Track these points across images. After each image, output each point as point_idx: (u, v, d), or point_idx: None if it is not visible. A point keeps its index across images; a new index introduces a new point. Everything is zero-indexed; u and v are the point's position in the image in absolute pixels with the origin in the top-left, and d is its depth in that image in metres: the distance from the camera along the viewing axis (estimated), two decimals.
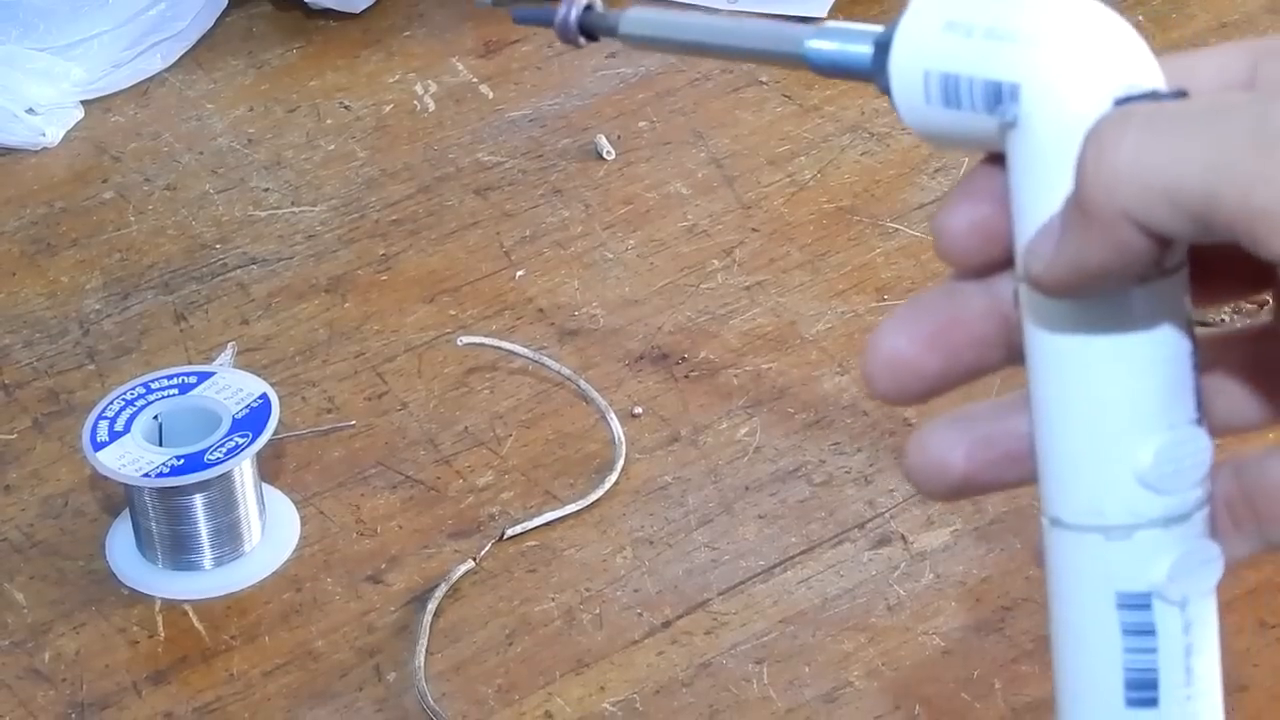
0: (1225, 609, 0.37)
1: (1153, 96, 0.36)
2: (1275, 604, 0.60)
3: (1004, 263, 0.38)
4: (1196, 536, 0.37)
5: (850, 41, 0.39)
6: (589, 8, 0.42)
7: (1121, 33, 0.37)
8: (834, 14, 0.84)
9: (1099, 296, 0.36)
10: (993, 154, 0.38)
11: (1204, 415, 0.37)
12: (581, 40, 0.42)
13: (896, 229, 0.74)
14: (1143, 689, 0.38)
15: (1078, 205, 0.35)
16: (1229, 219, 0.33)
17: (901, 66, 0.38)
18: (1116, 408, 0.37)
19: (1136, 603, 0.38)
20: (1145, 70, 0.36)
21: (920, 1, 0.38)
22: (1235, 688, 0.40)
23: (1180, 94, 0.36)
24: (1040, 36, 0.36)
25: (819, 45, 0.39)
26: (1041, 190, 0.37)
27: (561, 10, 0.43)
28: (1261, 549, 0.39)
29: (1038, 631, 0.60)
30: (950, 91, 0.37)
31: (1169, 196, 0.34)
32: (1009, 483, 0.40)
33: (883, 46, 0.38)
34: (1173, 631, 0.38)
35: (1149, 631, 0.38)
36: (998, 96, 0.36)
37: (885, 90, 0.39)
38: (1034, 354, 0.37)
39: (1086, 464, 0.37)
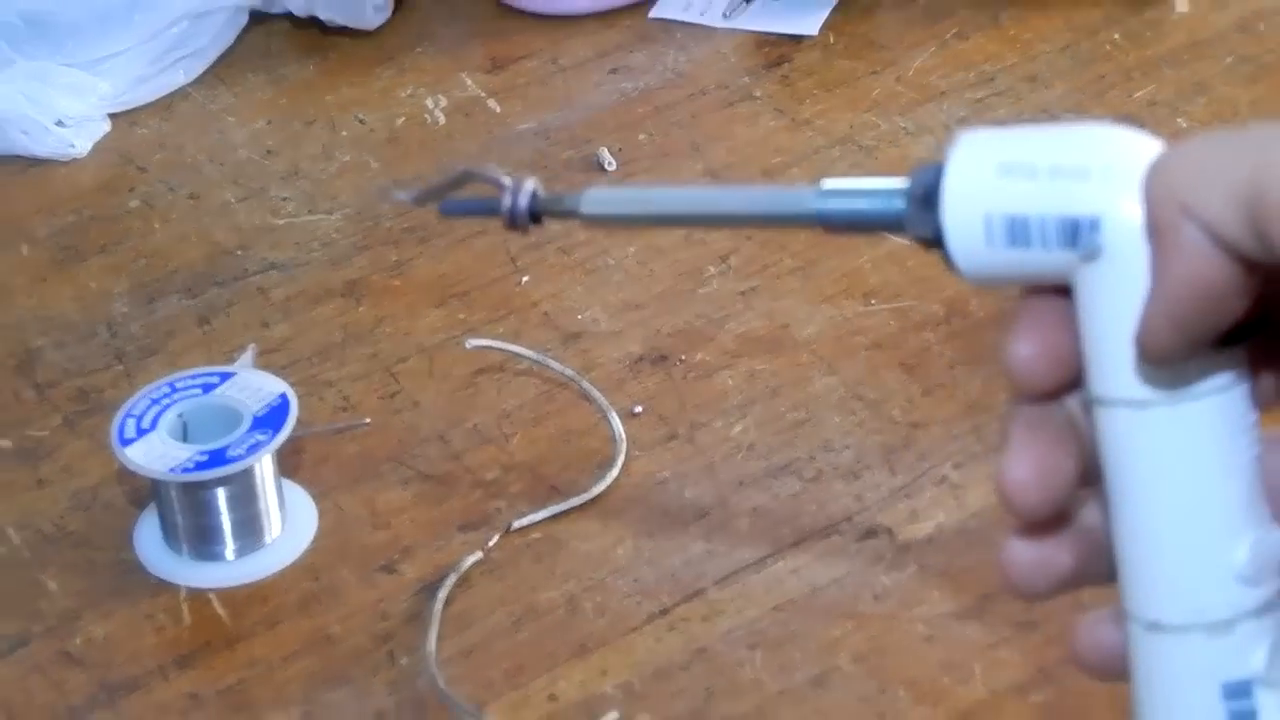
0: None
1: None
2: None
3: (1071, 385, 0.38)
4: None
5: (874, 198, 0.39)
6: (535, 195, 0.41)
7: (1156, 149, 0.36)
8: (825, 30, 0.84)
9: (1198, 369, 0.36)
10: (1043, 286, 0.38)
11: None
12: (529, 226, 0.42)
13: (883, 237, 0.74)
14: None
15: (1153, 234, 0.35)
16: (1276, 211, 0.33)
17: (958, 213, 0.37)
18: (1211, 514, 0.37)
19: (1241, 691, 0.38)
20: None
21: (964, 149, 0.38)
22: None
23: None
24: (1111, 170, 0.36)
25: (838, 206, 0.39)
26: (1128, 307, 0.36)
27: (506, 200, 0.42)
28: None
29: (1015, 618, 0.61)
30: (1018, 232, 0.37)
31: (1225, 194, 0.34)
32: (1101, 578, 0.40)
33: (921, 198, 0.38)
34: (1273, 713, 0.38)
35: (1252, 714, 0.38)
36: (1075, 231, 0.36)
37: (924, 238, 0.38)
38: (1120, 470, 0.37)
39: (1186, 568, 0.37)
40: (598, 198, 0.42)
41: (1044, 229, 0.36)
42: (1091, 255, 0.36)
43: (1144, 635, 0.38)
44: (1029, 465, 0.38)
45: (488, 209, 0.43)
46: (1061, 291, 0.37)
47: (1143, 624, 0.38)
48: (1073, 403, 0.39)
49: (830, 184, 0.39)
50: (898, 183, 0.39)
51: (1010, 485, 0.38)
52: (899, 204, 0.39)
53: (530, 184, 0.42)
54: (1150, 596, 0.38)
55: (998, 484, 0.38)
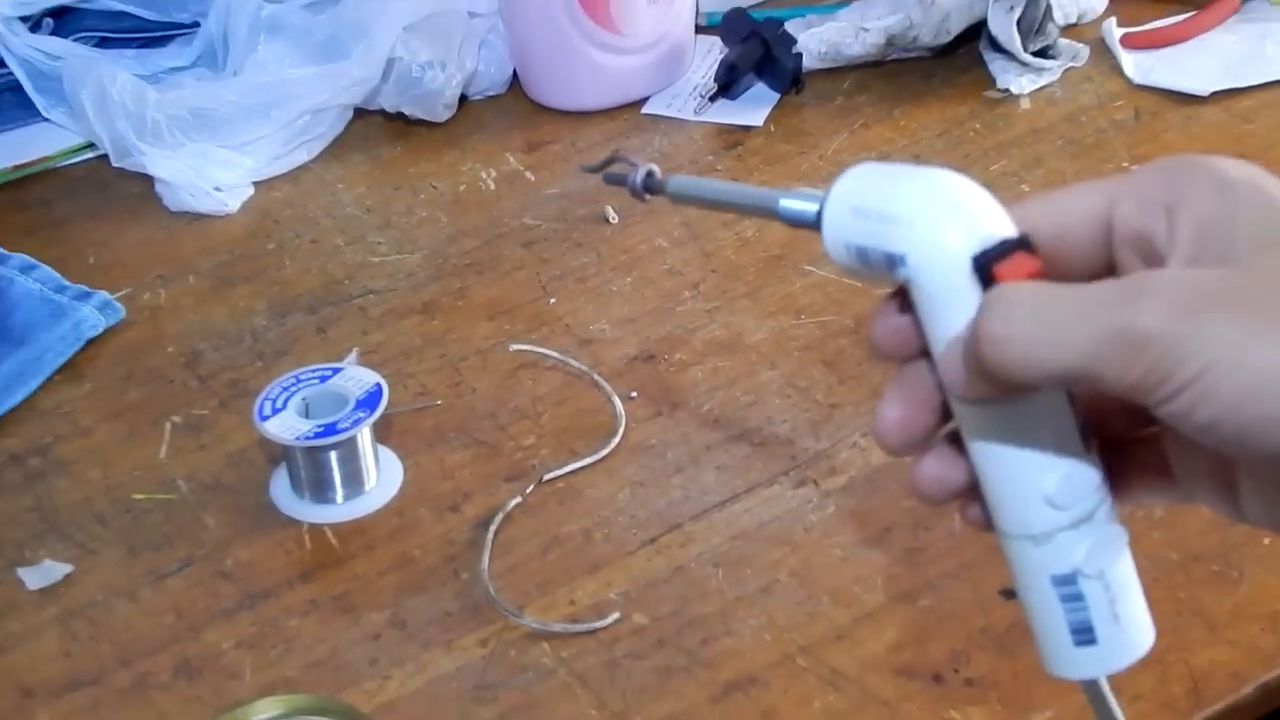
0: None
1: (1002, 246, 0.36)
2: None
3: (921, 354, 0.38)
4: (1103, 523, 0.38)
5: (804, 207, 0.39)
6: (650, 174, 0.42)
7: (974, 200, 0.37)
8: (767, 122, 0.84)
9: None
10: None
11: (1091, 444, 0.38)
12: (646, 196, 0.43)
13: (811, 270, 0.74)
14: (1084, 633, 0.39)
15: (979, 368, 0.35)
16: (1109, 389, 0.33)
17: (828, 237, 0.38)
18: (1026, 459, 0.38)
19: (1066, 580, 0.39)
20: (995, 224, 0.37)
21: (836, 190, 0.38)
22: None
23: (1024, 240, 0.36)
24: (913, 219, 0.37)
25: (787, 205, 0.40)
26: (936, 320, 0.37)
27: (630, 175, 0.43)
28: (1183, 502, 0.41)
29: (907, 545, 0.61)
30: (862, 256, 0.38)
31: (1054, 377, 0.34)
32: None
33: (820, 216, 0.39)
34: (1097, 593, 0.39)
35: (1080, 598, 0.39)
36: (893, 262, 0.37)
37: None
38: (963, 424, 0.38)
39: (1013, 497, 0.38)
40: (678, 182, 0.43)
41: (877, 256, 0.37)
42: (907, 280, 0.37)
43: (999, 538, 0.39)
44: (894, 416, 0.39)
45: (624, 181, 0.43)
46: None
47: (997, 531, 0.39)
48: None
49: (794, 192, 0.40)
50: (818, 199, 0.40)
51: (879, 430, 0.39)
52: (813, 214, 0.40)
53: (646, 167, 0.43)
54: (995, 513, 0.39)
55: (873, 428, 0.39)
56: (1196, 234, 0.35)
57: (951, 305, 0.37)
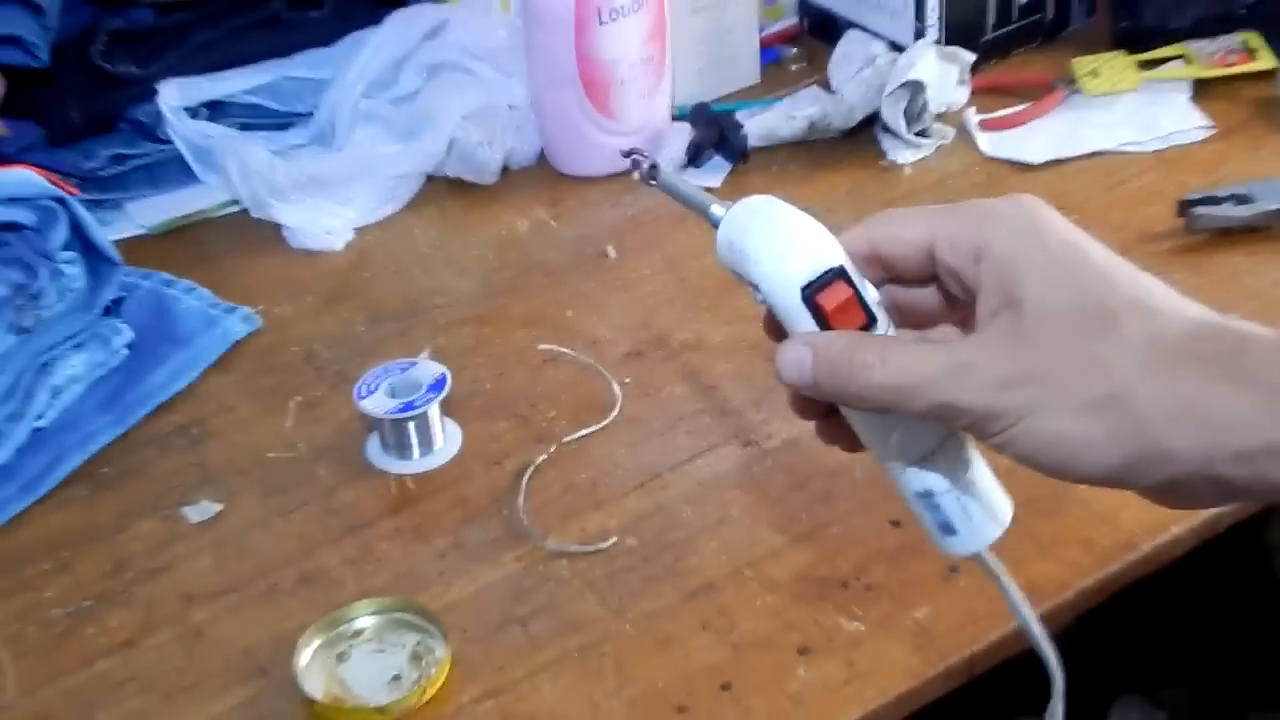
0: None
1: (825, 277, 0.37)
2: None
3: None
4: (950, 452, 0.40)
5: (717, 214, 0.40)
6: (654, 165, 0.41)
7: (808, 236, 0.38)
8: (724, 183, 0.84)
9: None
10: None
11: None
12: (652, 182, 0.41)
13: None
14: (947, 528, 0.40)
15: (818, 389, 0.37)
16: (955, 419, 0.36)
17: (719, 255, 0.39)
18: (875, 424, 0.39)
19: (924, 495, 0.40)
20: (826, 253, 0.37)
21: (725, 221, 0.39)
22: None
23: (842, 270, 0.37)
24: (760, 257, 0.37)
25: (714, 212, 0.40)
26: (790, 332, 0.38)
27: (642, 163, 0.41)
28: None
29: (823, 488, 0.61)
30: (738, 275, 0.39)
31: (904, 407, 0.36)
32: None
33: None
34: (950, 500, 0.40)
35: (936, 506, 0.40)
36: (755, 286, 0.38)
37: None
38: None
39: (878, 450, 0.40)
40: (667, 174, 0.41)
41: (744, 281, 0.38)
42: (762, 301, 0.38)
43: (884, 469, 0.41)
44: (796, 402, 0.42)
45: (637, 164, 0.42)
46: None
47: (881, 464, 0.41)
48: None
49: (716, 203, 0.40)
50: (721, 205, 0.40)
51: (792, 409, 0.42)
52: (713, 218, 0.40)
53: (652, 159, 0.41)
54: (872, 456, 0.41)
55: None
56: (995, 277, 0.36)
57: (794, 322, 0.38)
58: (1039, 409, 0.34)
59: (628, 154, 0.43)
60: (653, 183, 0.41)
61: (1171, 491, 0.36)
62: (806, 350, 0.37)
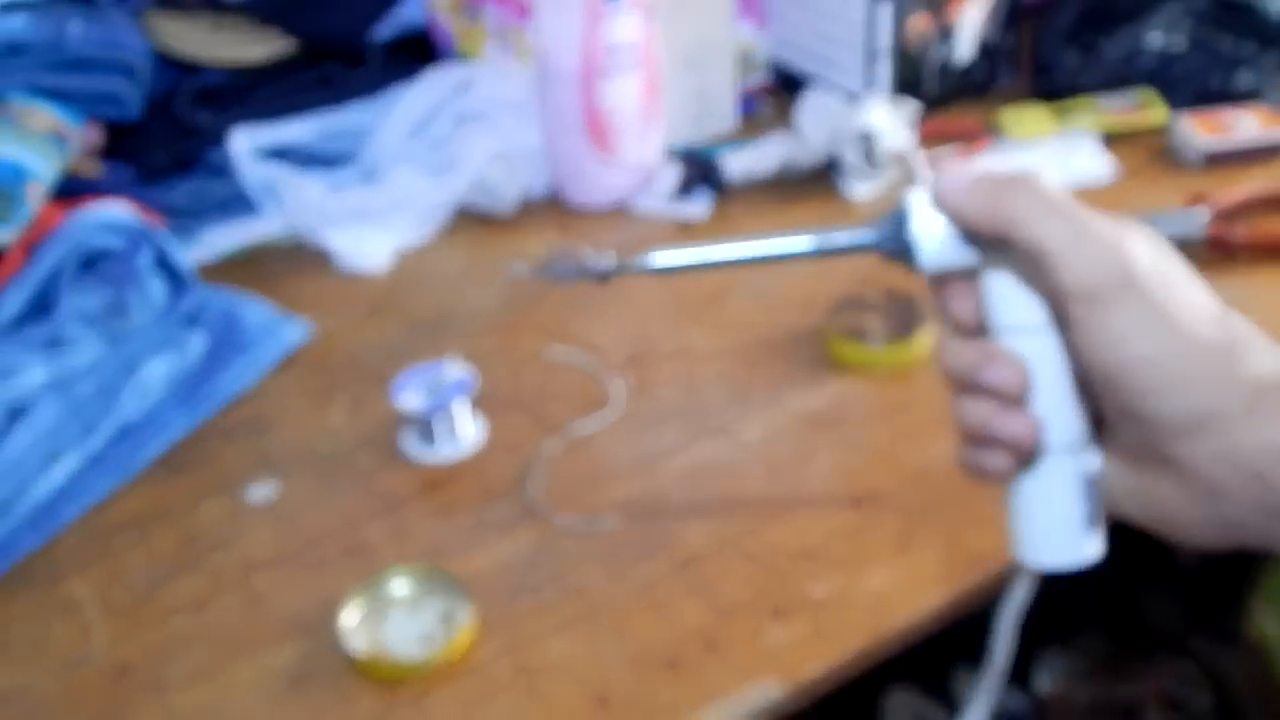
0: None
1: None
2: None
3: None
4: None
5: (851, 239, 0.34)
6: (613, 264, 0.35)
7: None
8: (711, 212, 0.83)
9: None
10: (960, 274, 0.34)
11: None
12: (612, 279, 0.36)
13: (734, 306, 0.73)
14: (1095, 517, 0.35)
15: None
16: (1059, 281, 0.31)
17: (925, 237, 0.33)
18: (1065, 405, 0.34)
19: (1092, 480, 0.35)
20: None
21: (916, 204, 0.34)
22: None
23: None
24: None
25: (827, 246, 0.34)
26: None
27: (595, 266, 0.35)
28: None
29: (792, 474, 0.59)
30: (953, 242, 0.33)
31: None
32: None
33: (895, 234, 0.34)
34: (1098, 491, 0.35)
35: (1095, 493, 0.35)
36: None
37: (889, 253, 0.34)
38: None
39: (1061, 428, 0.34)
40: (661, 259, 0.36)
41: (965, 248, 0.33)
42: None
43: (1048, 457, 0.35)
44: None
45: (579, 274, 0.36)
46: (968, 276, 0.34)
47: (1043, 449, 0.35)
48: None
49: (817, 234, 0.35)
50: (866, 228, 0.35)
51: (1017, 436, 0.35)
52: (871, 238, 0.34)
53: (607, 257, 0.36)
54: (1049, 435, 0.34)
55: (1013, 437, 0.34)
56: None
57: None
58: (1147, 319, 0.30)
59: (548, 264, 0.36)
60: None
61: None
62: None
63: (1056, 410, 0.34)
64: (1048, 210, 0.31)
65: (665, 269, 0.37)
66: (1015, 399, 0.33)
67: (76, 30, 0.77)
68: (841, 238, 0.35)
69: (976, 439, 0.35)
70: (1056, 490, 0.35)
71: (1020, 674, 1.00)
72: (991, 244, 0.33)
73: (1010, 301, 0.33)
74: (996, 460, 0.35)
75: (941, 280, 0.35)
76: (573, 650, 0.50)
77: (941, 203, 0.33)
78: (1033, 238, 0.31)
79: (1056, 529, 0.35)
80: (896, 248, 0.34)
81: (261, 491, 0.61)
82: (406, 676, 0.50)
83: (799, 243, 0.35)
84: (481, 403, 0.65)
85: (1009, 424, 0.33)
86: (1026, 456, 0.34)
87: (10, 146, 0.69)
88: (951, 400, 0.36)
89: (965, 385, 0.35)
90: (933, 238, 0.34)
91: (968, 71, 0.93)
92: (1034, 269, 0.32)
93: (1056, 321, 0.33)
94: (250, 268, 0.80)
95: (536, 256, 0.38)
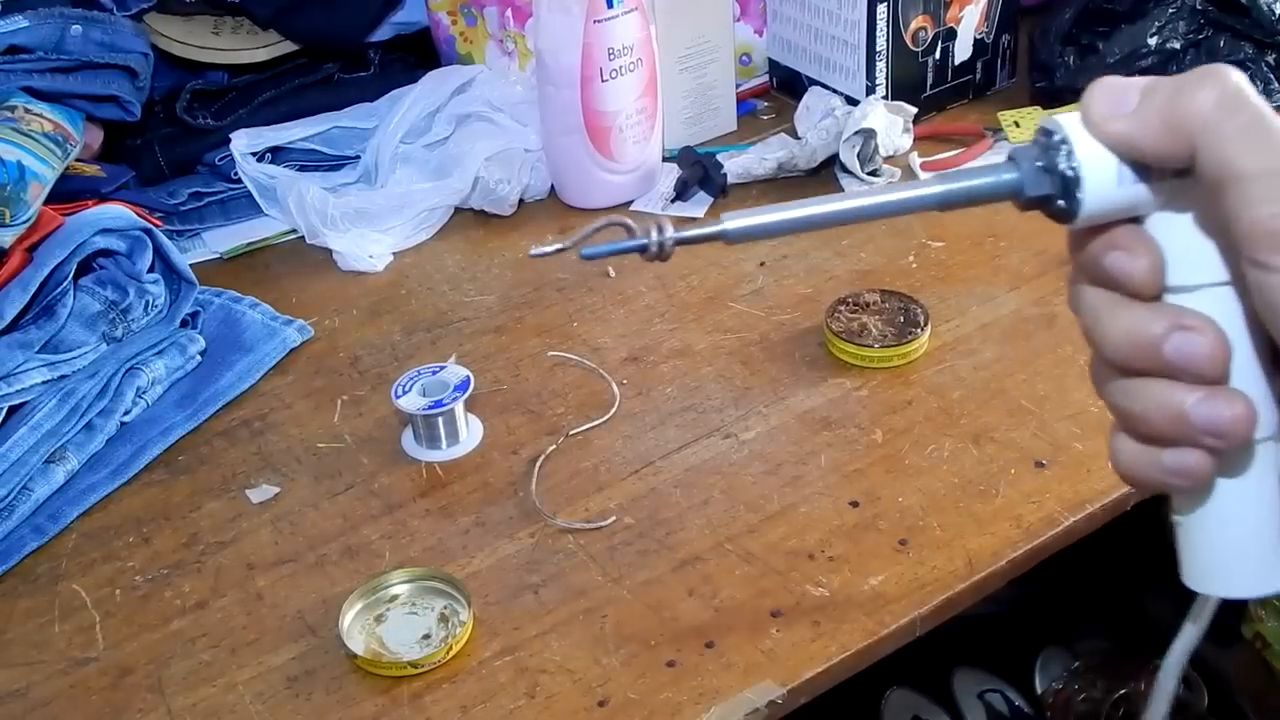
0: None
1: None
2: None
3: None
4: None
5: (988, 177, 0.27)
6: (676, 233, 0.27)
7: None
8: (706, 214, 0.83)
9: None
10: (1123, 219, 0.26)
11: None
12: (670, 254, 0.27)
13: (733, 306, 0.73)
14: None
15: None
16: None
17: (1094, 168, 0.25)
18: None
19: None
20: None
21: (1072, 129, 0.26)
22: None
23: None
24: None
25: (958, 188, 0.26)
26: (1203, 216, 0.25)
27: (654, 237, 0.27)
28: None
29: (792, 474, 0.59)
30: (1139, 173, 0.25)
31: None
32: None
33: (1043, 168, 0.26)
34: None
35: None
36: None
37: (1035, 198, 0.26)
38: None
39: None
40: (737, 224, 0.28)
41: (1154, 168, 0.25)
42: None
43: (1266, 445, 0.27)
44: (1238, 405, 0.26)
45: (628, 249, 0.27)
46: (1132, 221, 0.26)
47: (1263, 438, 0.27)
48: None
49: (946, 177, 0.26)
50: (1003, 166, 0.27)
51: (1231, 425, 0.26)
52: (1011, 177, 0.27)
53: (669, 226, 0.28)
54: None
55: (1221, 424, 0.25)
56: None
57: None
58: None
59: (585, 236, 0.28)
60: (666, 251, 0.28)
61: None
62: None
63: (1255, 390, 0.26)
64: (1245, 125, 0.23)
65: (743, 233, 0.28)
66: (1216, 376, 0.25)
67: (77, 32, 0.77)
68: (974, 183, 0.27)
69: (1161, 433, 0.26)
70: (1254, 494, 0.27)
71: (1020, 674, 0.99)
72: (1167, 175, 0.25)
73: (1192, 251, 0.26)
74: (1189, 460, 0.26)
75: (1095, 230, 0.27)
76: (571, 650, 0.50)
77: (1102, 125, 0.25)
78: (1221, 161, 0.23)
79: (1253, 544, 0.27)
80: (1046, 191, 0.26)
81: (262, 492, 0.61)
82: (406, 676, 0.50)
83: (919, 192, 0.27)
84: (481, 403, 0.65)
85: (1215, 409, 0.25)
86: (1232, 450, 0.26)
87: (12, 148, 0.69)
88: (1110, 387, 0.27)
89: (1141, 364, 0.26)
90: (1098, 172, 0.25)
91: (966, 72, 0.93)
92: (1220, 203, 0.24)
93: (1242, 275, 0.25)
94: (251, 269, 0.80)
95: (571, 233, 0.31)
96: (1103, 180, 0.25)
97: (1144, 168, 0.25)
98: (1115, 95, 0.25)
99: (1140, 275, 0.26)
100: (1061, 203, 0.26)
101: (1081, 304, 0.27)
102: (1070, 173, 0.26)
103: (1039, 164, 0.26)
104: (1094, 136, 0.25)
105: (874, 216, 0.27)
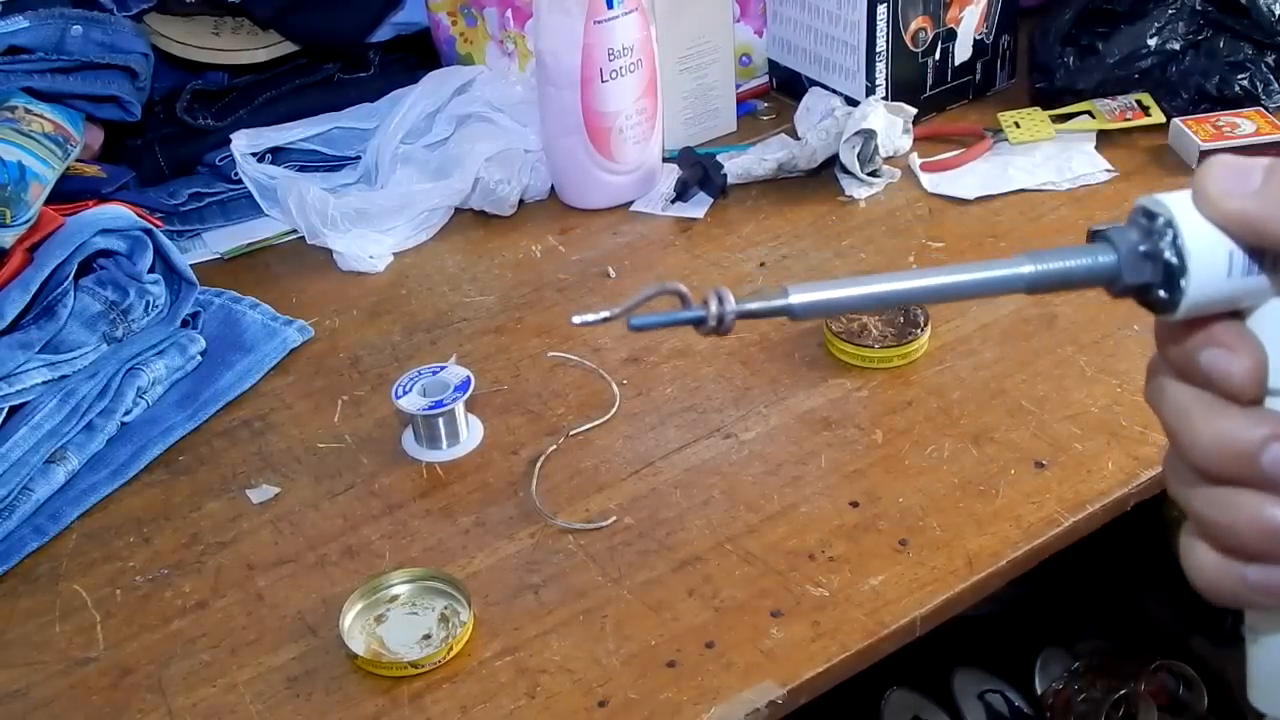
0: None
1: None
2: None
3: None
4: None
5: (1082, 259, 0.24)
6: (737, 307, 0.25)
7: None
8: (706, 216, 0.82)
9: None
10: (1223, 312, 0.24)
11: None
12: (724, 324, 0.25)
13: None
14: None
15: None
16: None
17: (1202, 253, 0.23)
18: None
19: None
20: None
21: (1178, 207, 0.23)
22: None
23: None
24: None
25: (1050, 269, 0.23)
26: None
27: (713, 309, 0.25)
28: None
29: (792, 474, 0.59)
30: (1254, 261, 0.23)
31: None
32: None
33: (1145, 253, 0.23)
34: None
35: None
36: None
37: (1132, 286, 0.24)
38: None
39: None
40: (804, 298, 0.25)
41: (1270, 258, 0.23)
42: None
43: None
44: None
45: (683, 321, 0.25)
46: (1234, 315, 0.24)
47: None
48: None
49: (1037, 256, 0.24)
50: (1098, 247, 0.24)
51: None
52: (1108, 261, 0.24)
53: (729, 297, 0.25)
54: None
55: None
56: None
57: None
58: None
59: (634, 305, 0.25)
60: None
61: None
62: None
63: None
64: None
65: (810, 309, 0.25)
66: None
67: (78, 33, 0.77)
68: (1067, 264, 0.24)
69: (1249, 547, 0.24)
70: None
71: (1020, 674, 0.99)
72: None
73: None
74: (1279, 578, 0.24)
75: (1192, 323, 0.24)
76: (572, 650, 0.50)
77: (1220, 204, 0.22)
78: None
79: None
80: (1146, 279, 0.23)
81: (262, 492, 0.61)
82: (406, 676, 0.50)
83: (1007, 273, 0.24)
84: (482, 403, 0.65)
85: None
86: None
87: (12, 148, 0.69)
88: (1193, 493, 0.25)
89: (1233, 473, 0.23)
90: (1208, 259, 0.23)
91: (966, 73, 0.93)
92: None
93: None
94: (251, 269, 0.80)
95: (622, 302, 0.27)
96: (1212, 269, 0.23)
97: (1258, 255, 0.23)
98: (1236, 172, 0.23)
99: (1240, 377, 0.23)
100: (1162, 293, 0.23)
101: (1165, 399, 0.24)
102: (1175, 260, 0.23)
103: (1141, 249, 0.23)
104: (1208, 217, 0.22)
105: (955, 296, 0.24)
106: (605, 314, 0.26)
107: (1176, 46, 0.86)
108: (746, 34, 0.96)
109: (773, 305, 0.25)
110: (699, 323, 0.25)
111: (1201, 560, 0.25)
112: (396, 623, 0.52)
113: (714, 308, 0.25)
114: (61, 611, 0.55)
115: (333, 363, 0.70)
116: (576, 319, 0.27)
